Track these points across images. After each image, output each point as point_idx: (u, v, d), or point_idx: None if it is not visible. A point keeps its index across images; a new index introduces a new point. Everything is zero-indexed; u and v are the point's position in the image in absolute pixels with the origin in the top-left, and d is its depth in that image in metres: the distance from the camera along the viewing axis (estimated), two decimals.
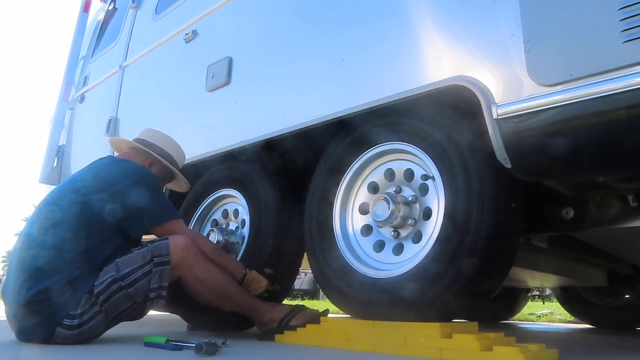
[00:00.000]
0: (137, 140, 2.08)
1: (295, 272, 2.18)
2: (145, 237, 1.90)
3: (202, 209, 2.41)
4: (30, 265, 1.66)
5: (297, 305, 1.92)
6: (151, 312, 1.90)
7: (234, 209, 2.33)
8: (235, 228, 2.27)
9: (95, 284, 1.67)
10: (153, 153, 2.03)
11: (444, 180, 1.52)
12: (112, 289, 1.67)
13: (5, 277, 1.78)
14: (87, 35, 4.01)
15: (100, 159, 1.99)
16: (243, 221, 2.21)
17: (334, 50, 1.85)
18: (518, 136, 1.31)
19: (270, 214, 2.04)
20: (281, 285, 1.99)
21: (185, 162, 2.42)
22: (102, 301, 1.66)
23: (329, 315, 1.91)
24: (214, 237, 2.17)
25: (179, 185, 2.19)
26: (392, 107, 1.63)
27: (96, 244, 1.72)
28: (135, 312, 1.75)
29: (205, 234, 2.34)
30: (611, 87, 1.14)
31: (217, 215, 2.41)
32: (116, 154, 2.18)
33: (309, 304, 1.89)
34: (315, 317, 1.87)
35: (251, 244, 2.09)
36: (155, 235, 1.81)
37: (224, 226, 2.35)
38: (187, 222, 2.42)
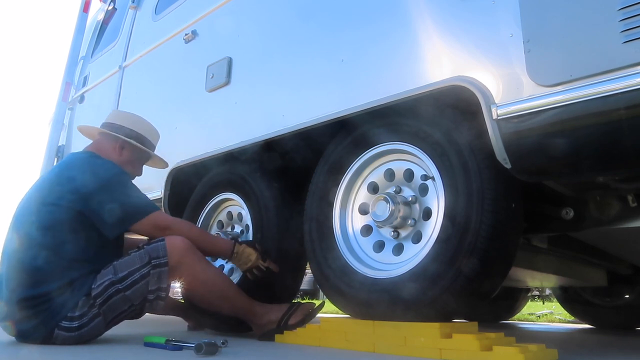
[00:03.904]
0: (105, 124, 2.02)
1: (300, 273, 2.19)
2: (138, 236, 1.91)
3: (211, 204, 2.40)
4: (29, 266, 1.65)
5: (293, 304, 1.92)
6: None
7: (237, 212, 2.32)
8: (240, 232, 2.28)
9: (93, 286, 1.67)
10: (122, 136, 1.96)
11: (444, 181, 1.52)
12: (110, 292, 1.67)
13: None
14: (86, 35, 4.01)
15: (80, 153, 1.94)
16: (247, 226, 2.21)
17: (334, 50, 1.85)
18: (518, 136, 1.31)
19: (271, 215, 2.04)
20: (274, 263, 1.95)
21: (185, 163, 2.43)
22: (100, 304, 1.66)
23: (329, 315, 1.91)
24: None
25: (157, 163, 2.15)
26: (392, 107, 1.63)
27: (95, 244, 1.73)
28: (134, 313, 1.75)
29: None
30: (611, 88, 1.14)
31: (221, 216, 2.41)
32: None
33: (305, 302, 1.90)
34: (313, 310, 1.87)
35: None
36: (136, 231, 1.79)
37: (229, 229, 2.35)
38: (195, 219, 2.41)
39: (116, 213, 1.72)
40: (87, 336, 1.66)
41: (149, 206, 1.81)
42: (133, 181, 1.95)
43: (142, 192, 1.88)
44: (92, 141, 2.04)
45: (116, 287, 1.67)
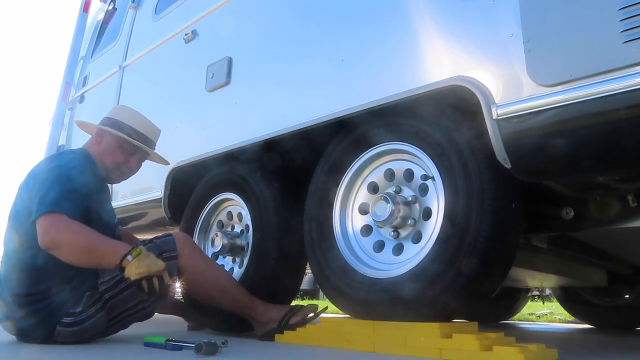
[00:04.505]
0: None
1: (300, 273, 2.19)
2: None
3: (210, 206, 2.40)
4: (29, 265, 1.65)
5: (295, 305, 1.92)
6: None
7: (237, 212, 2.32)
8: (240, 232, 2.28)
9: (102, 280, 1.68)
10: (96, 125, 1.94)
11: (444, 181, 1.52)
12: (122, 286, 1.68)
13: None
14: (86, 35, 4.01)
15: (76, 150, 1.94)
16: (247, 226, 2.21)
17: (334, 50, 1.85)
18: (518, 136, 1.31)
19: (271, 215, 2.04)
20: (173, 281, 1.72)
21: (185, 163, 2.42)
22: (107, 299, 1.67)
23: (329, 315, 1.91)
24: (220, 241, 2.17)
25: (154, 158, 2.06)
26: (392, 107, 1.63)
27: None
28: (141, 313, 1.75)
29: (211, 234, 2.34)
30: (611, 88, 1.14)
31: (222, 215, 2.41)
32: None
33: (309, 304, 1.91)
34: (314, 311, 1.87)
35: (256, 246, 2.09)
36: (37, 227, 1.58)
37: (229, 229, 2.35)
38: (195, 219, 2.40)
39: (37, 200, 1.62)
40: (88, 332, 1.66)
41: (56, 206, 1.60)
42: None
43: (109, 207, 1.84)
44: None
45: (127, 282, 1.67)
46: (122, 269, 1.55)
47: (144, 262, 1.55)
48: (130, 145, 1.94)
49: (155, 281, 1.55)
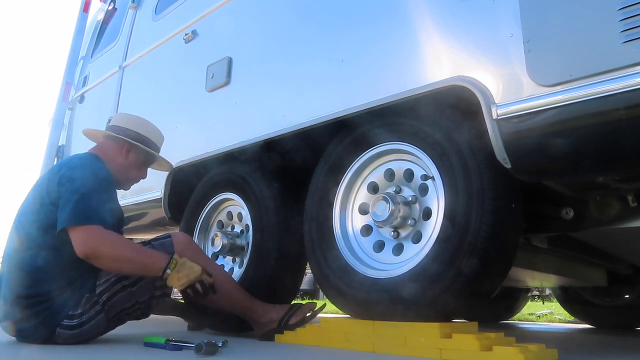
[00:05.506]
0: (110, 127, 1.98)
1: (300, 273, 2.19)
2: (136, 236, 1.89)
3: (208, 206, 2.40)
4: (29, 266, 1.65)
5: (294, 304, 1.92)
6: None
7: (237, 212, 2.32)
8: (240, 232, 2.28)
9: (98, 282, 1.68)
10: (128, 139, 1.92)
11: (444, 181, 1.52)
12: (116, 288, 1.68)
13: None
14: (86, 36, 4.02)
15: (83, 154, 1.90)
16: (247, 226, 2.21)
17: (334, 50, 1.85)
18: (518, 136, 1.31)
19: (271, 215, 2.04)
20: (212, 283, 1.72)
21: (185, 163, 2.43)
22: (105, 300, 1.67)
23: (329, 315, 1.91)
24: (220, 241, 2.17)
25: (162, 165, 2.12)
26: (392, 107, 1.63)
27: None
28: (138, 312, 1.75)
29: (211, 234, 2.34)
30: (611, 88, 1.14)
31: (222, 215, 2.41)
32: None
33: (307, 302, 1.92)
34: (314, 311, 1.87)
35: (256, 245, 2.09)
36: (71, 235, 1.62)
37: (229, 229, 2.35)
38: (195, 219, 2.40)
39: (71, 207, 1.62)
40: (88, 334, 1.67)
41: (98, 219, 1.64)
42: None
43: (117, 205, 1.86)
44: (95, 144, 2.02)
45: (122, 284, 1.68)
46: (164, 281, 1.64)
47: (183, 272, 1.63)
48: (152, 160, 2.03)
49: (198, 286, 1.63)
